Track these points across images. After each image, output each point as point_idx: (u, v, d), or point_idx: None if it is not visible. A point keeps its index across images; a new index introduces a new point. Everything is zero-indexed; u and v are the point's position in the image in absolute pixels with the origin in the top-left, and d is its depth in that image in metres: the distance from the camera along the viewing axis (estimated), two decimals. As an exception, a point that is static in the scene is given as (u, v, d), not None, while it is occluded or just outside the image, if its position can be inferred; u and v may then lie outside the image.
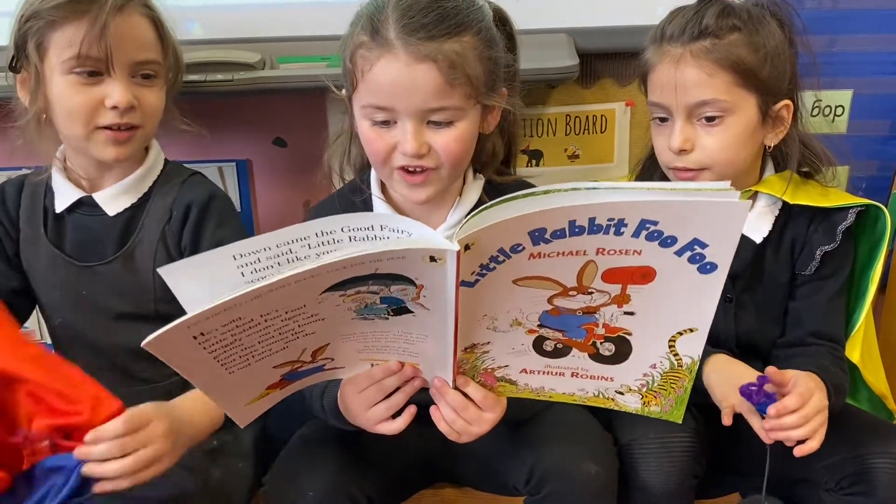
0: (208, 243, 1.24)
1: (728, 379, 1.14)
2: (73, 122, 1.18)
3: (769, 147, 1.25)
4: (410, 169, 1.11)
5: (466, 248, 0.82)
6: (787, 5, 1.24)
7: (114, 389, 1.26)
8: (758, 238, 1.26)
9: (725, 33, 1.18)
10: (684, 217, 0.81)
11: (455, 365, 0.97)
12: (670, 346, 0.94)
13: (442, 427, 1.02)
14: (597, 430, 1.18)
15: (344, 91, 1.17)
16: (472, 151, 1.16)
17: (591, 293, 0.90)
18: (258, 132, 1.67)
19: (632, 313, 0.92)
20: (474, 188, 1.21)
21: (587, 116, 1.68)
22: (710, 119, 1.18)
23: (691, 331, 0.92)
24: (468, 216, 0.83)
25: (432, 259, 0.83)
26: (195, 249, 1.24)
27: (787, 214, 1.27)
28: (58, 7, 1.14)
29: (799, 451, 1.07)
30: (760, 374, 1.08)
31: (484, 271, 0.87)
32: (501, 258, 0.86)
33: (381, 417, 1.03)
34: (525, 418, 1.17)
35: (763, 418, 1.08)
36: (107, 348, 1.28)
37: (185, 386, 1.27)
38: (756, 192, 1.26)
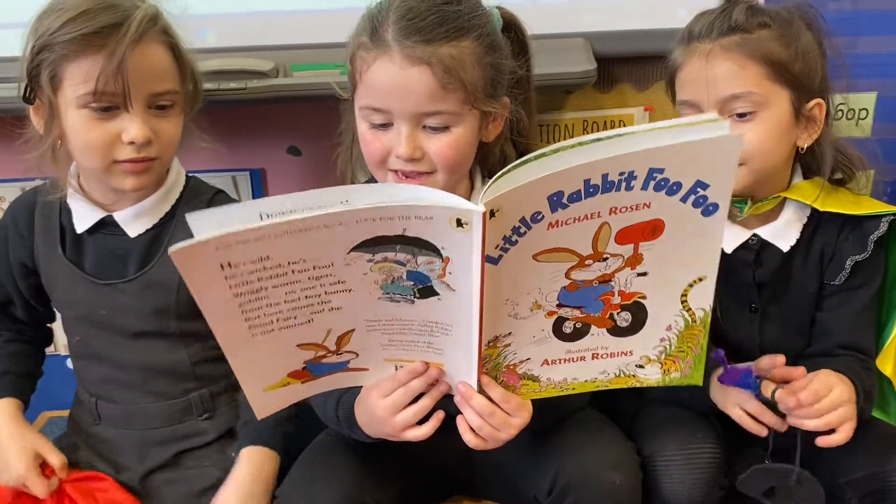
0: None
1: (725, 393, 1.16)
2: (90, 156, 1.16)
3: (801, 149, 1.22)
4: (406, 173, 1.11)
5: (491, 214, 0.84)
6: (813, 9, 1.22)
7: (130, 404, 1.28)
8: (785, 247, 1.23)
9: (755, 28, 1.16)
10: (687, 158, 0.85)
11: (479, 361, 0.96)
12: (683, 302, 0.97)
13: (468, 437, 1.01)
14: (620, 439, 1.17)
15: (346, 93, 1.18)
16: (471, 158, 1.16)
17: (606, 258, 0.93)
18: (272, 141, 1.66)
19: (645, 273, 0.95)
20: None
21: (605, 122, 1.67)
22: (741, 116, 1.16)
23: (700, 280, 0.96)
24: (489, 182, 0.84)
25: (459, 224, 0.84)
26: None
27: (816, 222, 1.24)
28: (73, 41, 1.10)
29: (822, 442, 1.08)
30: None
31: (507, 245, 0.89)
32: (523, 229, 0.88)
33: (408, 423, 1.02)
34: (547, 425, 1.15)
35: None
36: (125, 365, 1.28)
37: (203, 402, 1.29)
38: (784, 200, 1.24)
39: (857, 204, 1.23)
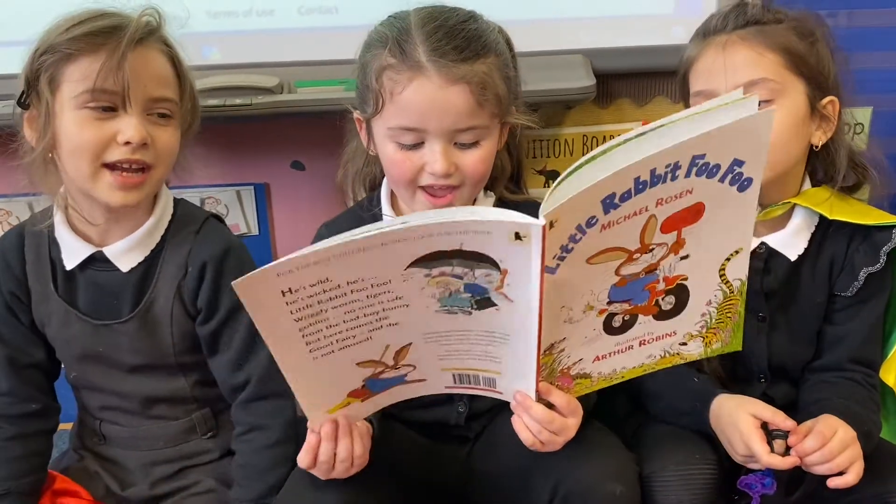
0: (227, 300, 1.20)
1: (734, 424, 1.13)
2: (80, 158, 1.12)
3: (816, 147, 1.21)
4: (436, 187, 1.12)
5: (550, 226, 0.85)
6: (820, 17, 1.24)
7: (134, 427, 1.27)
8: (793, 255, 1.22)
9: (771, 22, 1.18)
10: (726, 141, 0.87)
11: (538, 370, 0.97)
12: (721, 276, 1.00)
13: (525, 437, 1.01)
14: (620, 450, 1.16)
15: (358, 112, 1.18)
16: (491, 167, 1.17)
17: (653, 249, 0.94)
18: (276, 156, 1.67)
19: (687, 256, 0.97)
20: (486, 205, 1.22)
21: (604, 136, 1.68)
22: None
23: (737, 252, 0.98)
24: (548, 192, 0.85)
25: (517, 237, 0.84)
26: (213, 308, 1.21)
27: (825, 231, 1.23)
28: (75, 39, 1.10)
29: (832, 483, 1.07)
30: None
31: (564, 254, 0.90)
32: (579, 235, 0.89)
33: (343, 476, 1.04)
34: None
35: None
36: (125, 395, 1.26)
37: (206, 421, 1.29)
38: (793, 207, 1.23)
39: (865, 214, 1.22)
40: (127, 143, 1.11)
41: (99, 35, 1.11)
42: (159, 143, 1.15)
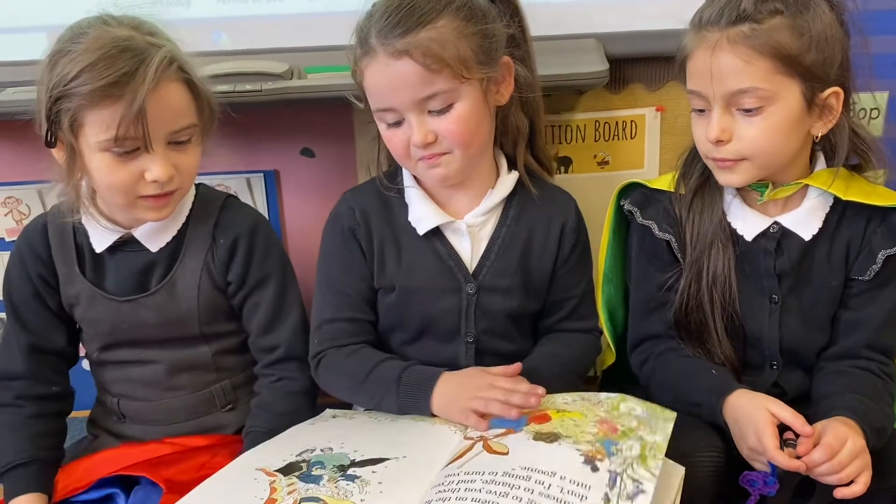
0: (257, 271, 1.29)
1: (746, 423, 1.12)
2: (115, 195, 1.18)
3: (817, 137, 1.18)
4: (427, 158, 1.17)
5: None
6: None
7: (153, 401, 1.31)
8: (807, 235, 1.20)
9: (766, 17, 1.10)
10: None
11: None
12: None
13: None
14: None
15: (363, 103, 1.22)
16: (487, 127, 1.20)
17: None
18: (286, 143, 1.66)
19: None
20: (508, 181, 1.26)
21: (616, 122, 1.67)
22: (747, 110, 1.12)
23: None
24: None
25: None
26: (244, 278, 1.28)
27: (841, 212, 1.21)
28: (92, 93, 1.09)
29: (839, 494, 1.06)
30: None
31: None
32: None
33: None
34: None
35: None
36: (147, 367, 1.29)
37: (225, 394, 1.33)
38: (806, 186, 1.21)
39: (882, 195, 1.20)
40: (154, 181, 1.15)
41: (115, 86, 1.10)
42: (183, 167, 1.19)
